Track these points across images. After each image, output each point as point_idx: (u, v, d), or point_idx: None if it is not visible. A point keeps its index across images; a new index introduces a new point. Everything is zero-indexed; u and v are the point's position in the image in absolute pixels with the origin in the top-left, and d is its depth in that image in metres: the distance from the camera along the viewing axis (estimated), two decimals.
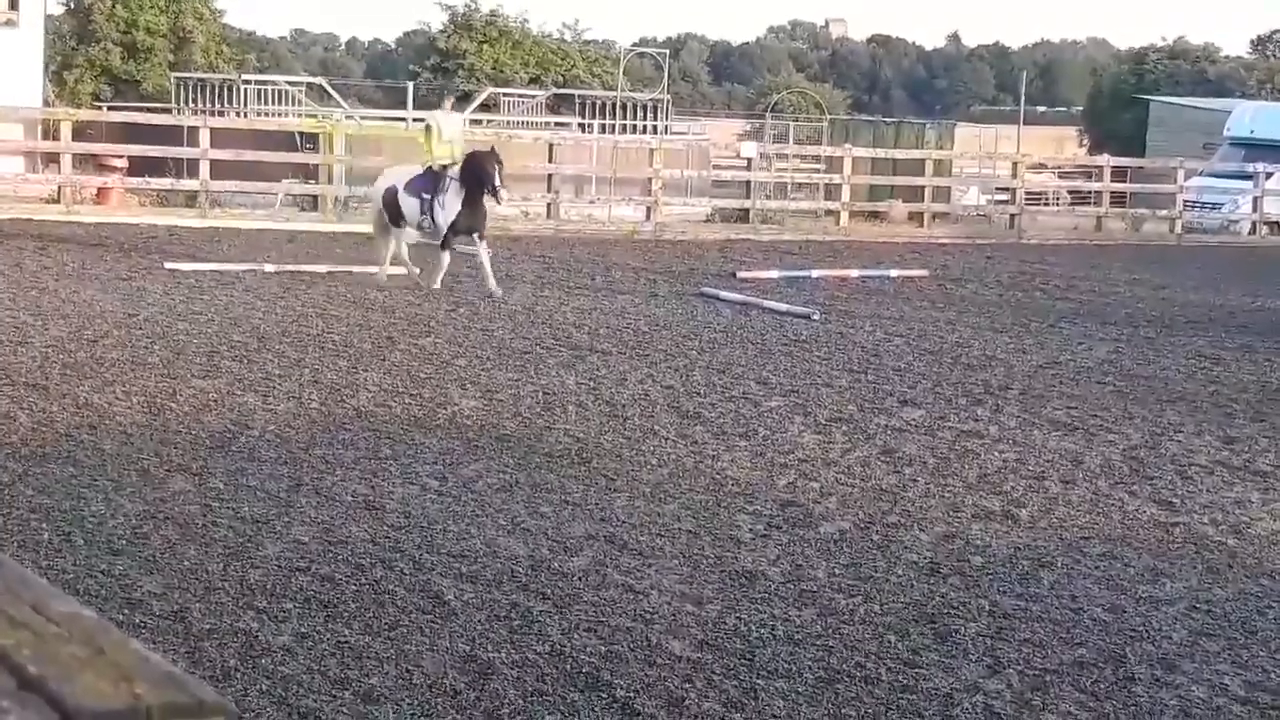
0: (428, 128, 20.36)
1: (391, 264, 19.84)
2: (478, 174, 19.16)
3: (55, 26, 45.07)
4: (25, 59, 29.17)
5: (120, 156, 28.76)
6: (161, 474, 9.82)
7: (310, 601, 7.50)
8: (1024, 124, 43.65)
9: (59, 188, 27.19)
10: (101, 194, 28.32)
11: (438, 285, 19.25)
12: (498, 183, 19.17)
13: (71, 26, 51.20)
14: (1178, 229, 34.97)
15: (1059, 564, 8.89)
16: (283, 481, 9.78)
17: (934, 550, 9.03)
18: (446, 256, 19.55)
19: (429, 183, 19.58)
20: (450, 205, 19.28)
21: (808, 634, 7.46)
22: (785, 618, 7.65)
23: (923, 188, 33.97)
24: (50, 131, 28.66)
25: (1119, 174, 37.48)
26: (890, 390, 14.18)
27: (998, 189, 38.51)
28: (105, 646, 1.42)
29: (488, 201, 19.58)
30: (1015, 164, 36.24)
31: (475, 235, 19.50)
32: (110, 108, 38.85)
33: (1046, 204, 40.56)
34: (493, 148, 19.72)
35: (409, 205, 19.60)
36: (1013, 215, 34.58)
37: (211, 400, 12.17)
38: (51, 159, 28.44)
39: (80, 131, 29.05)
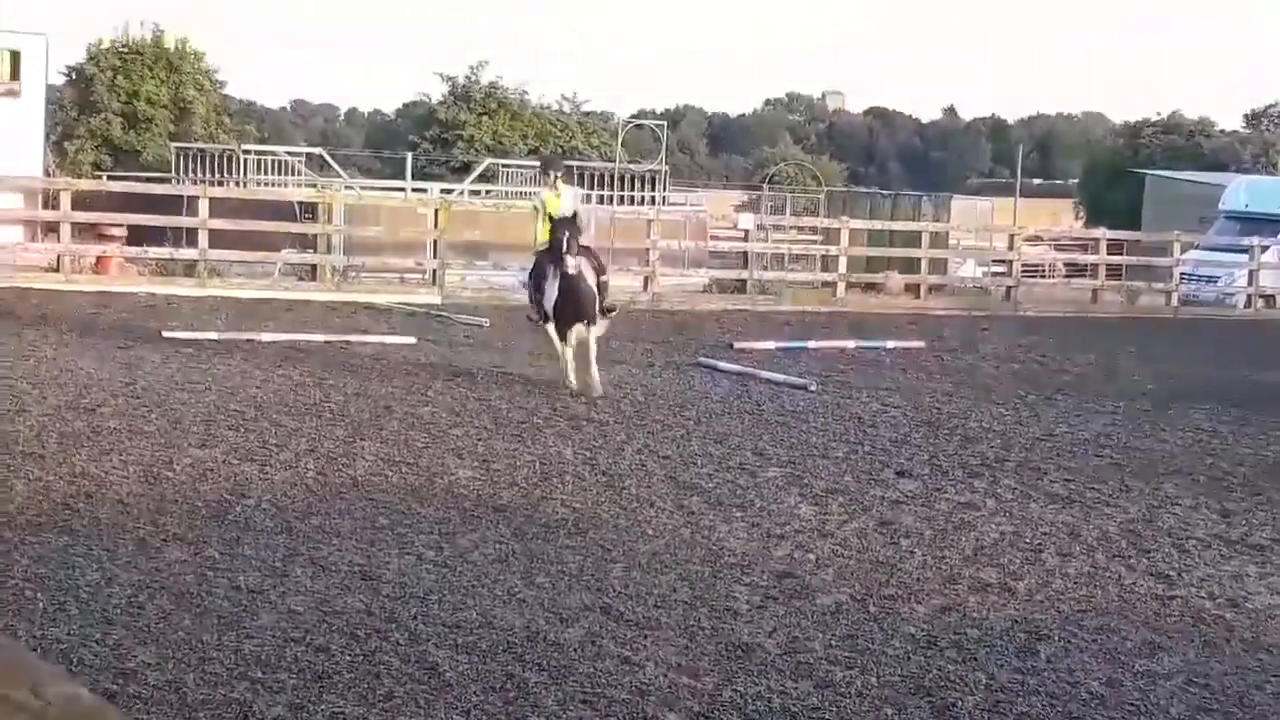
0: (535, 208, 18.24)
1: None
2: (555, 249, 17.05)
3: (57, 96, 45.33)
4: (26, 128, 29.30)
5: (119, 226, 28.85)
6: (158, 543, 9.80)
7: (305, 672, 7.48)
8: (1020, 196, 43.82)
9: (58, 257, 27.25)
10: (100, 263, 28.37)
11: (573, 381, 17.21)
12: (564, 249, 16.82)
13: (73, 96, 51.45)
14: (1174, 302, 35.05)
15: (1056, 637, 8.87)
16: (279, 551, 9.76)
17: (931, 623, 9.01)
18: (562, 349, 17.42)
19: (537, 268, 17.77)
20: (549, 290, 17.28)
21: (804, 706, 7.43)
22: (782, 690, 7.62)
23: (919, 259, 34.07)
24: (50, 201, 28.76)
25: (1115, 247, 37.57)
26: (887, 462, 14.18)
27: (994, 261, 38.61)
28: None
29: (591, 277, 17.29)
30: (1011, 236, 36.35)
31: (584, 322, 17.19)
32: (110, 177, 39.04)
33: (1043, 276, 40.65)
34: (574, 214, 17.28)
35: (527, 294, 18.32)
36: (1009, 287, 34.64)
37: (208, 469, 12.17)
38: (51, 228, 28.53)
39: (80, 201, 29.15)
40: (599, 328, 17.57)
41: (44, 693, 1.49)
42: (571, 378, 17.20)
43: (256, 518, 10.67)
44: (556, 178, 18.06)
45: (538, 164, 29.33)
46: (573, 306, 17.17)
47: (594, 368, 17.20)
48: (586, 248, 17.47)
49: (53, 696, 1.48)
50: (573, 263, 16.87)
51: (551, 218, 17.20)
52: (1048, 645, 8.71)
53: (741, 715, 7.26)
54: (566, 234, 16.84)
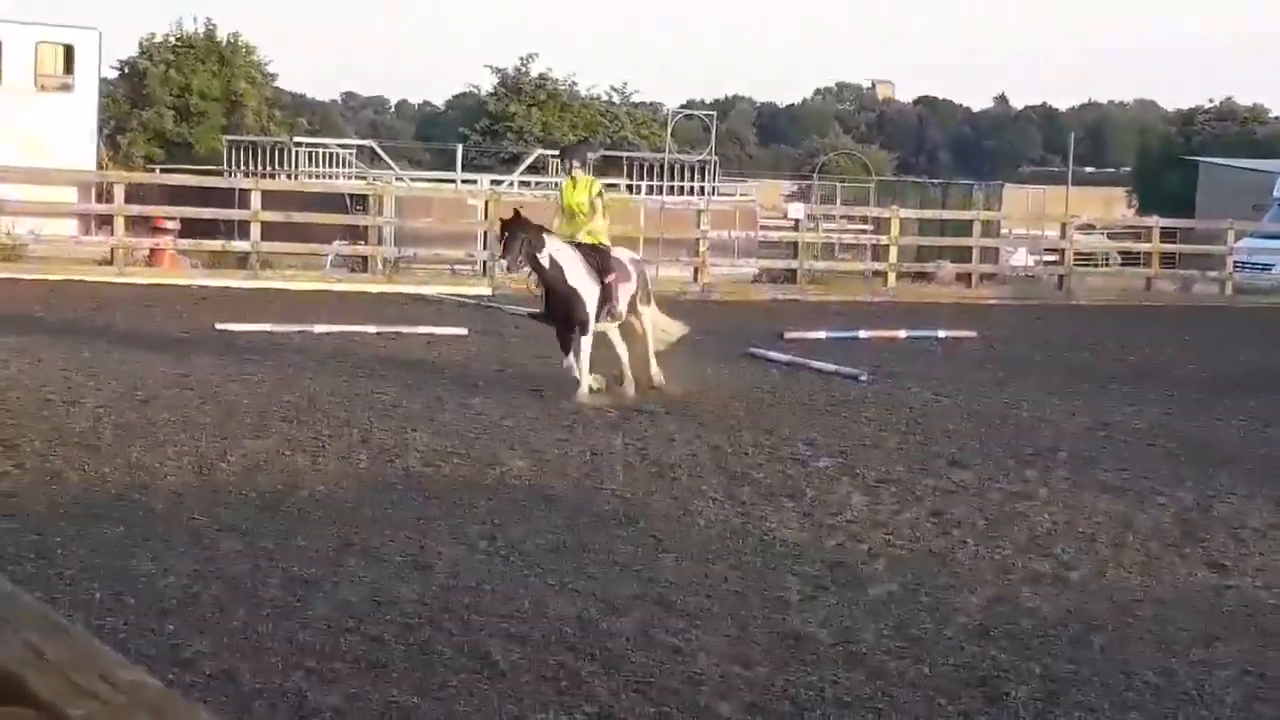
0: (555, 200, 17.73)
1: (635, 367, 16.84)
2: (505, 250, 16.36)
3: (110, 90, 45.62)
4: (80, 122, 29.54)
5: (172, 219, 29.03)
6: (212, 534, 9.86)
7: (359, 662, 7.50)
8: (1072, 185, 43.52)
9: (112, 250, 27.46)
10: (154, 256, 28.58)
11: (587, 386, 16.17)
12: (502, 253, 16.62)
13: (125, 90, 51.82)
14: (1228, 290, 34.81)
15: (1110, 627, 8.82)
16: (332, 541, 9.80)
17: (984, 613, 8.97)
18: (566, 357, 16.32)
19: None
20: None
21: (857, 696, 7.42)
22: (834, 680, 7.61)
23: (970, 249, 33.94)
24: (104, 194, 28.98)
25: (1168, 235, 37.35)
26: (939, 451, 14.13)
27: (1046, 250, 38.43)
28: (172, 715, 1.43)
29: (590, 279, 16.15)
30: (1064, 225, 36.17)
31: (574, 329, 16.12)
32: (163, 170, 39.27)
33: (1096, 265, 40.42)
34: (514, 210, 16.57)
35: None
36: (1061, 276, 34.48)
37: (262, 461, 12.23)
38: (105, 221, 28.75)
39: (133, 194, 29.35)
40: (589, 336, 16.12)
41: (113, 680, 1.51)
42: (584, 381, 16.06)
43: (310, 508, 10.72)
44: (573, 167, 17.11)
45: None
46: (555, 309, 16.20)
47: (581, 371, 16.12)
48: (594, 246, 16.29)
49: (121, 684, 1.49)
50: (505, 264, 16.81)
51: (566, 210, 16.61)
52: (1101, 635, 8.66)
53: (793, 705, 7.25)
54: (509, 235, 15.98)
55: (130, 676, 1.51)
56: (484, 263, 29.33)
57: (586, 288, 16.08)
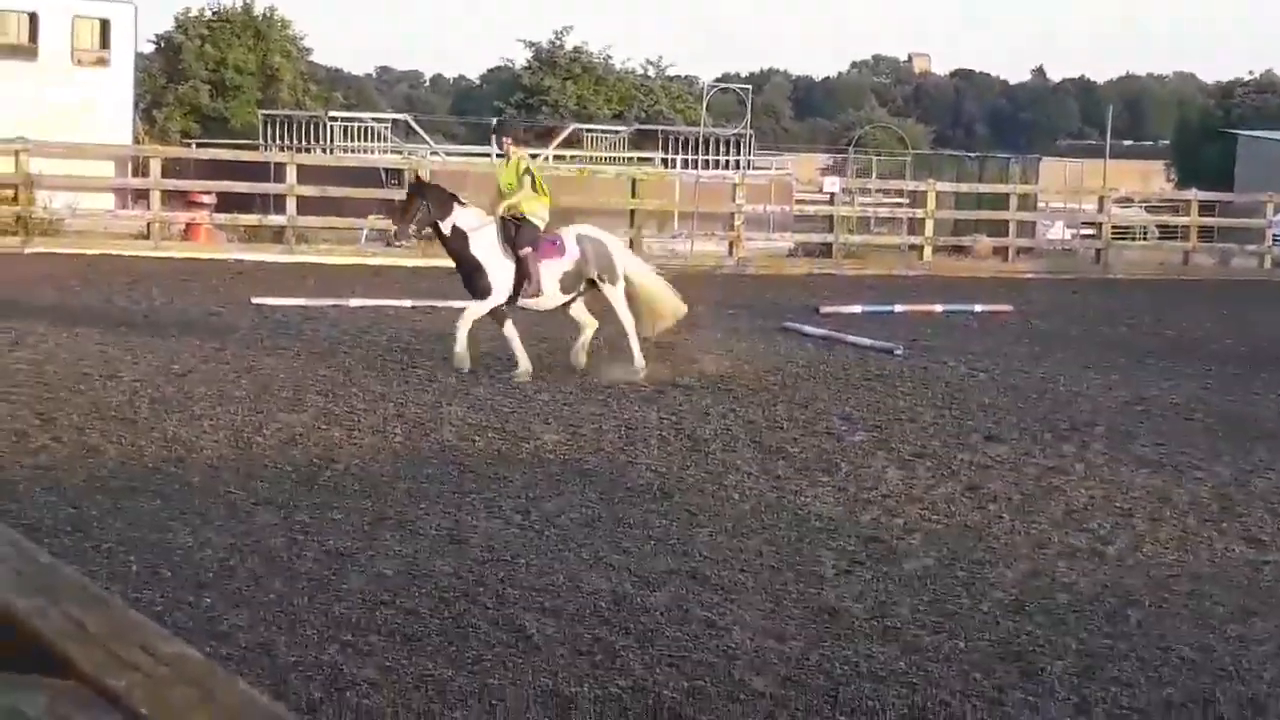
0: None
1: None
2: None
3: (145, 65, 45.77)
4: (116, 97, 29.66)
5: (208, 193, 29.13)
6: (248, 507, 9.89)
7: (394, 635, 7.52)
8: (1110, 158, 43.35)
9: (148, 224, 27.56)
10: (190, 230, 28.68)
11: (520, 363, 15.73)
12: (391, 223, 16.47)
13: (161, 65, 51.99)
14: (1267, 264, 34.61)
15: (1147, 602, 8.79)
16: (367, 515, 9.83)
17: (1020, 587, 8.95)
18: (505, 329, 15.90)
19: None
20: None
21: (892, 671, 7.40)
22: (869, 654, 7.60)
23: (1007, 222, 33.82)
24: (140, 168, 29.08)
25: (1206, 208, 37.13)
26: (975, 426, 14.08)
27: (1083, 223, 38.26)
28: (213, 687, 1.43)
29: (501, 252, 15.70)
30: (1101, 198, 36.01)
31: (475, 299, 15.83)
32: (199, 145, 39.40)
33: (1133, 239, 40.24)
34: (418, 177, 16.41)
35: None
36: (1098, 250, 34.36)
37: (298, 434, 12.26)
38: (141, 195, 28.87)
39: (169, 168, 29.45)
40: (479, 304, 15.66)
41: (154, 651, 1.51)
42: (522, 361, 15.59)
43: (345, 482, 10.74)
44: (506, 144, 16.79)
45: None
46: (462, 280, 15.95)
47: (518, 350, 15.69)
48: (518, 220, 15.73)
49: (162, 656, 1.49)
50: (395, 230, 16.23)
51: (501, 190, 16.10)
52: (1138, 610, 8.62)
53: (828, 679, 7.25)
54: (407, 199, 16.08)
55: (171, 648, 1.51)
56: None
57: (493, 260, 15.63)
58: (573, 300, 16.25)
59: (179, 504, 9.88)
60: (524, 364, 15.61)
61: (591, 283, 16.15)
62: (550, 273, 15.86)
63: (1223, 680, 7.58)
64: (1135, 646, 7.98)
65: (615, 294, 16.24)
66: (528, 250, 15.67)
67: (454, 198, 16.03)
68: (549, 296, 15.98)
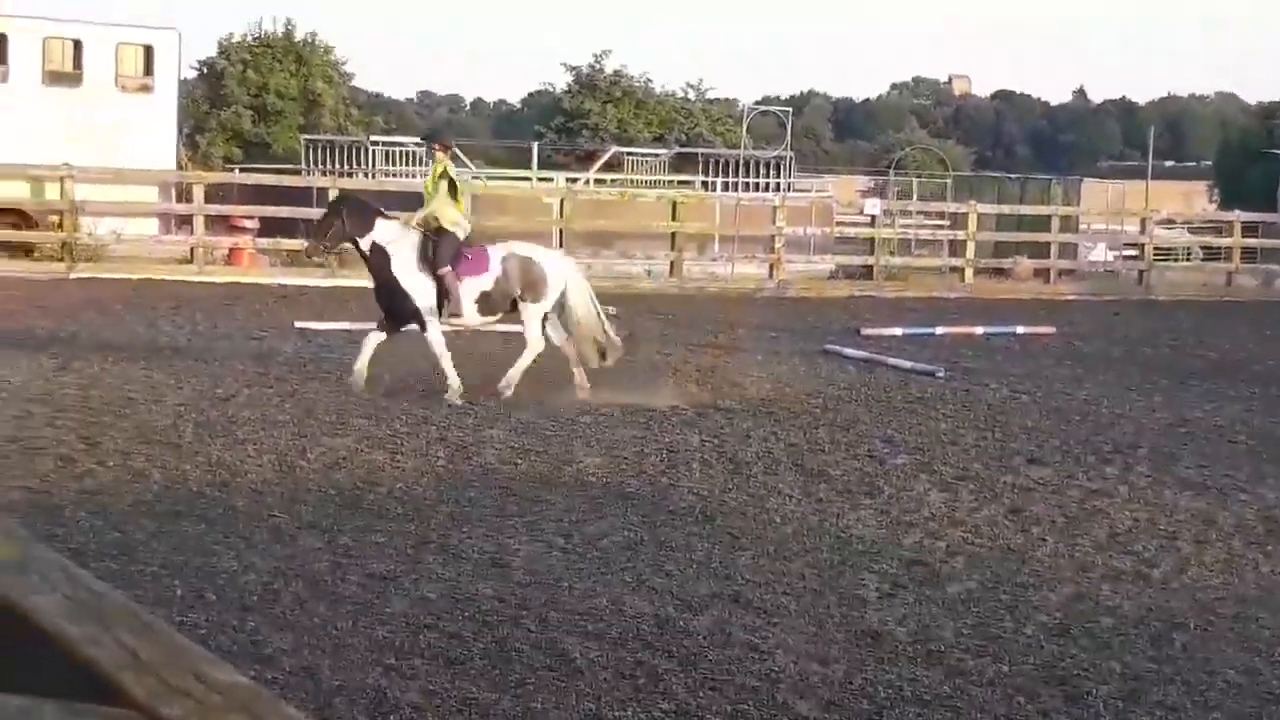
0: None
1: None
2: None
3: (189, 91, 46.07)
4: (160, 123, 29.83)
5: (251, 218, 29.28)
6: (292, 531, 9.93)
7: (438, 658, 7.54)
8: (1152, 179, 43.18)
9: (192, 249, 27.72)
10: (233, 255, 28.83)
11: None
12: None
13: (204, 91, 52.34)
14: None
15: (1192, 625, 8.74)
16: (410, 539, 9.85)
17: (1064, 611, 8.91)
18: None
19: None
20: None
21: (935, 695, 7.38)
22: (912, 678, 7.57)
23: (1049, 244, 33.72)
24: (183, 194, 29.26)
25: (1250, 230, 36.93)
26: (1017, 448, 14.04)
27: (1126, 245, 38.11)
28: (264, 714, 1.44)
29: (420, 270, 15.46)
30: (1143, 219, 35.86)
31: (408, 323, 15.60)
32: (241, 170, 39.61)
33: (1176, 260, 40.06)
34: (342, 193, 16.38)
35: None
36: (1141, 271, 34.22)
37: (341, 458, 12.30)
38: (185, 221, 29.02)
39: (212, 194, 29.63)
40: (431, 331, 15.45)
41: (206, 679, 1.52)
42: (452, 380, 15.31)
43: (388, 505, 10.77)
44: (435, 150, 16.60)
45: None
46: (380, 299, 15.64)
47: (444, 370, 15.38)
48: (441, 234, 15.48)
49: (213, 682, 1.50)
50: (306, 246, 16.04)
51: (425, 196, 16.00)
52: (1183, 633, 8.58)
53: (871, 703, 7.23)
54: (324, 216, 15.98)
55: (223, 675, 1.53)
56: None
57: (412, 279, 15.36)
58: (497, 319, 16.00)
59: (223, 528, 9.92)
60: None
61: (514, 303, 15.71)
62: (469, 291, 15.48)
63: (1269, 704, 7.54)
64: (1180, 670, 7.94)
65: (530, 313, 15.70)
66: (446, 269, 15.34)
67: (377, 212, 15.80)
68: (467, 316, 15.68)
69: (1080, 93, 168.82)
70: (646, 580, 9.11)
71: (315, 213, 28.12)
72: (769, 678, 7.48)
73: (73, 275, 25.87)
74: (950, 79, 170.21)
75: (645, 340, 20.69)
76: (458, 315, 15.56)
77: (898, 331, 23.05)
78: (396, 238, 15.46)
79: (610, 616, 8.35)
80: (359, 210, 15.79)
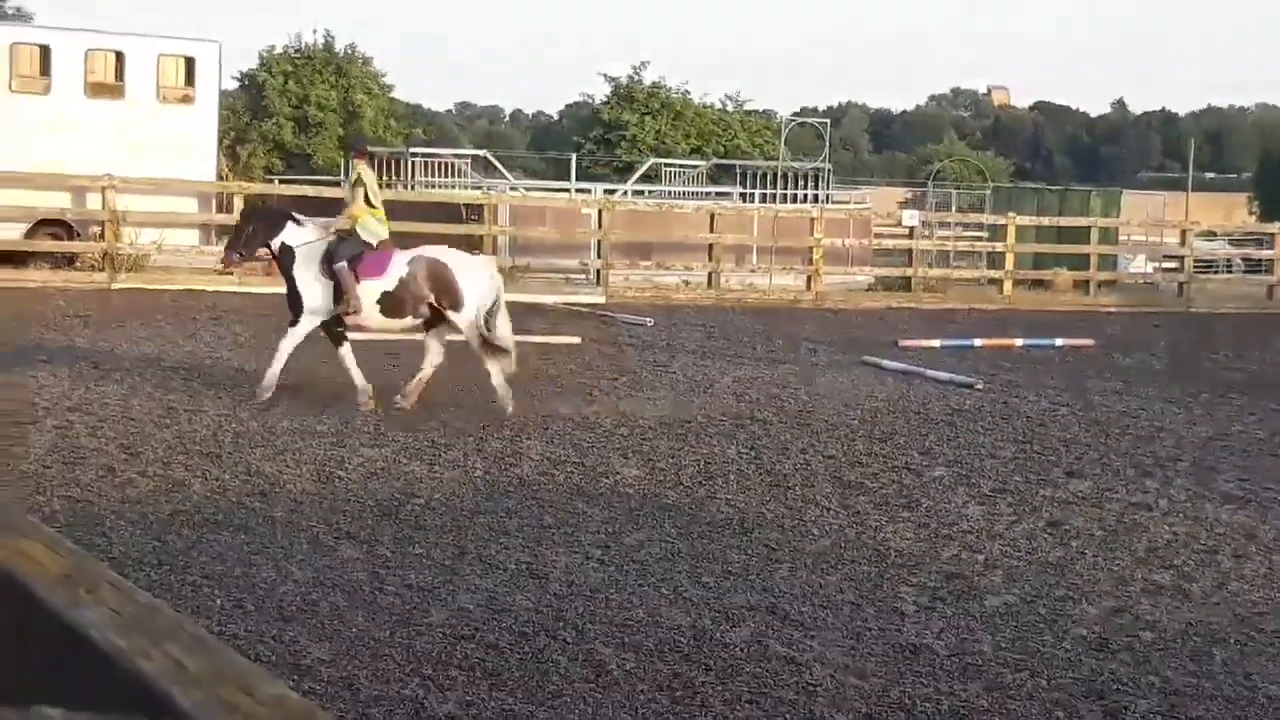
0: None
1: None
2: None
3: (229, 102, 46.27)
4: (200, 134, 29.94)
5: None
6: (330, 541, 9.97)
7: (475, 669, 7.56)
8: (1192, 191, 42.97)
9: None
10: (273, 266, 28.89)
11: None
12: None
13: (245, 102, 52.55)
14: None
15: (1232, 640, 8.70)
16: (448, 549, 9.88)
17: (1102, 625, 8.88)
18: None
19: None
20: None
21: (974, 709, 7.37)
22: (950, 692, 7.56)
23: (1088, 256, 33.60)
24: (224, 205, 29.38)
25: None
26: (1056, 461, 14.00)
27: (1165, 257, 37.94)
28: None
29: (318, 269, 15.44)
30: (1183, 231, 35.71)
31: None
32: (282, 181, 39.76)
33: (1216, 272, 39.86)
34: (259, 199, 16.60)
35: None
36: (1181, 283, 34.07)
37: (379, 468, 12.34)
38: (225, 231, 29.09)
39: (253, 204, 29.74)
40: (297, 328, 15.40)
41: (253, 692, 1.53)
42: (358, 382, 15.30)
43: (426, 516, 10.80)
44: (353, 157, 16.73)
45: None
46: (288, 298, 15.72)
47: (353, 374, 15.37)
48: (349, 236, 15.53)
49: (262, 697, 1.52)
50: (223, 253, 16.18)
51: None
52: (1223, 649, 8.54)
53: (909, 716, 7.22)
54: (239, 221, 16.38)
55: (271, 689, 1.54)
56: (597, 271, 29.45)
57: (305, 278, 15.36)
58: (408, 324, 15.70)
59: (263, 538, 9.96)
60: (361, 384, 15.27)
61: (435, 309, 15.44)
62: (368, 292, 15.33)
63: None
64: (1220, 685, 7.91)
65: (460, 320, 15.38)
66: (340, 266, 15.27)
67: (289, 217, 15.84)
68: (369, 317, 15.47)
69: (1120, 104, 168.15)
70: (684, 592, 9.12)
71: None
72: (806, 690, 7.48)
73: (114, 285, 26.01)
74: (989, 90, 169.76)
75: (683, 352, 20.69)
76: (356, 313, 15.41)
77: (936, 343, 23.00)
78: (305, 240, 15.54)
79: (647, 628, 8.36)
80: (268, 216, 16.01)
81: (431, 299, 15.33)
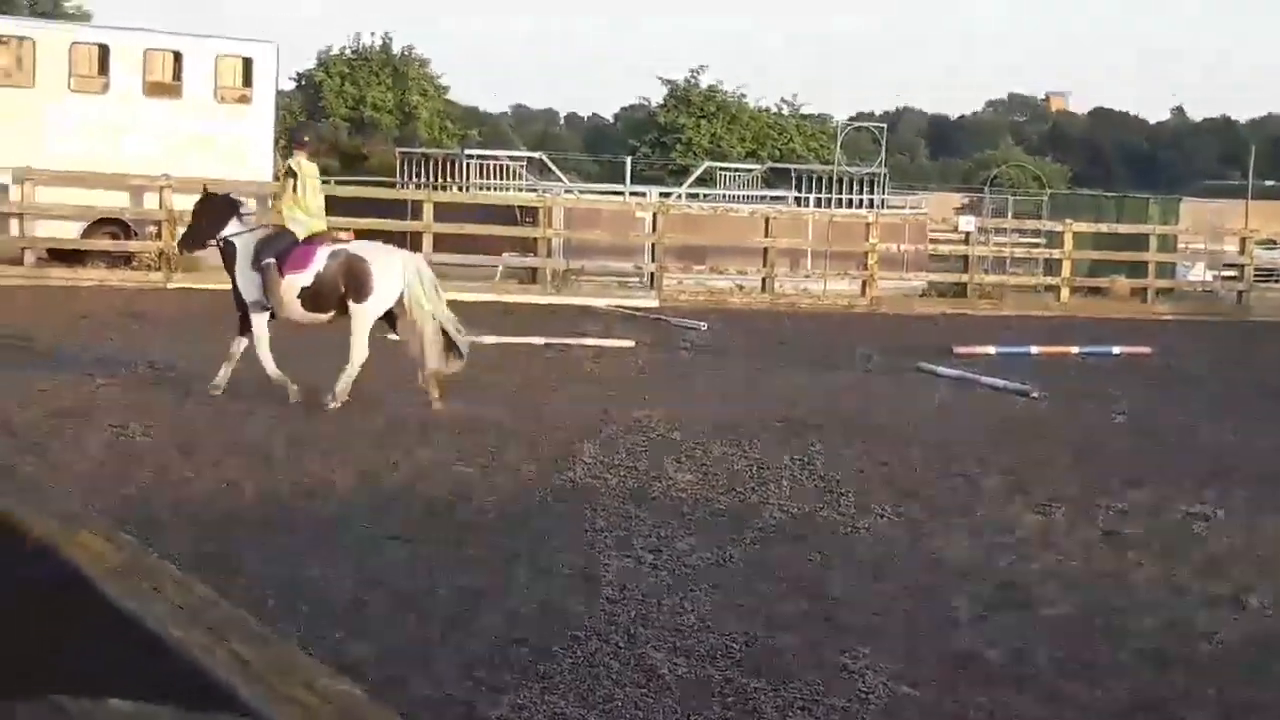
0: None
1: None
2: None
3: (286, 103, 46.50)
4: (257, 134, 30.10)
5: (347, 230, 29.45)
6: (382, 543, 9.96)
7: (527, 672, 7.53)
8: (1252, 199, 42.61)
9: None
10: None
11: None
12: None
13: (301, 103, 52.82)
14: None
15: None
16: (500, 552, 9.86)
17: (1159, 636, 8.79)
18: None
19: None
20: None
21: (1028, 719, 7.29)
22: (1004, 702, 7.49)
23: (1146, 263, 33.37)
24: None
25: None
26: (1113, 471, 13.87)
27: (1225, 265, 37.65)
28: None
29: (249, 264, 15.64)
30: (1243, 239, 35.42)
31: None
32: (338, 182, 39.92)
33: (1277, 281, 39.51)
34: (204, 189, 16.58)
35: None
36: (1241, 292, 33.80)
37: (430, 470, 12.34)
38: None
39: None
40: (255, 324, 15.55)
41: (318, 689, 1.51)
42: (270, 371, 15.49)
43: (478, 519, 10.79)
44: (295, 149, 17.16)
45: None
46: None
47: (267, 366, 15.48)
48: (280, 230, 15.78)
49: (325, 692, 1.50)
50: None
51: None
52: None
53: None
54: (192, 215, 16.71)
55: (334, 685, 1.52)
56: (651, 275, 29.44)
57: (242, 273, 15.62)
58: (328, 316, 15.77)
59: (314, 539, 9.97)
60: (275, 378, 15.43)
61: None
62: (290, 286, 15.46)
63: None
64: (1278, 698, 7.81)
65: (355, 313, 15.53)
66: (267, 263, 15.43)
67: (234, 210, 16.04)
68: (292, 310, 15.61)
69: (1179, 111, 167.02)
70: (736, 598, 9.07)
71: (410, 225, 28.45)
72: (859, 699, 7.42)
73: (170, 285, 26.17)
74: (1047, 96, 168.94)
75: (736, 356, 20.65)
76: (280, 309, 15.59)
77: (991, 350, 22.87)
78: (242, 236, 15.77)
79: (699, 633, 8.32)
80: (215, 207, 16.14)
81: (342, 291, 15.53)
